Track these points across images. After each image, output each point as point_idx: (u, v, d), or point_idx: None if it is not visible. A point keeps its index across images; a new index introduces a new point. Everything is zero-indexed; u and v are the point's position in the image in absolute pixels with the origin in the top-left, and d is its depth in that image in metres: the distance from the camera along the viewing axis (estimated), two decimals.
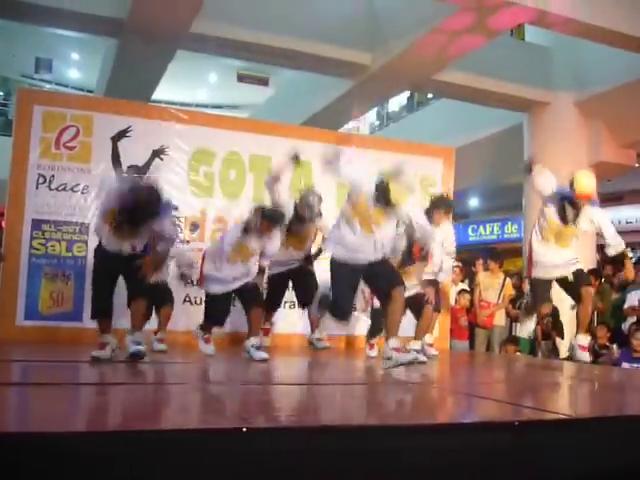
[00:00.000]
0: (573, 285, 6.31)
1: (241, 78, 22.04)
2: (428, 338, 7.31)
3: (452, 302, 9.47)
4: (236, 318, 6.99)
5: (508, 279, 10.42)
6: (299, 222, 7.03)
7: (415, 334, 6.87)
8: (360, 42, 11.67)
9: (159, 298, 6.82)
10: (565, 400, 4.95)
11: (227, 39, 10.87)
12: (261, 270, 6.58)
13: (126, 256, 5.47)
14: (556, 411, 3.79)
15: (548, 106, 12.65)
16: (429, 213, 6.46)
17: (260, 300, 6.54)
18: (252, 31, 10.82)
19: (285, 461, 2.52)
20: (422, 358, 6.64)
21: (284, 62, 12.67)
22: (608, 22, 9.59)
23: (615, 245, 6.14)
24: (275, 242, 6.48)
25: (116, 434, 2.47)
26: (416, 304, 6.65)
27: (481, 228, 21.88)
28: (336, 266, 5.46)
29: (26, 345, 6.72)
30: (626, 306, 9.68)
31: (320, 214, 7.10)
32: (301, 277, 7.27)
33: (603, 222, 6.14)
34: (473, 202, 20.79)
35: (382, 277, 5.41)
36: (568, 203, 6.08)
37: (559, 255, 6.27)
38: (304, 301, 7.23)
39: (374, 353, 6.84)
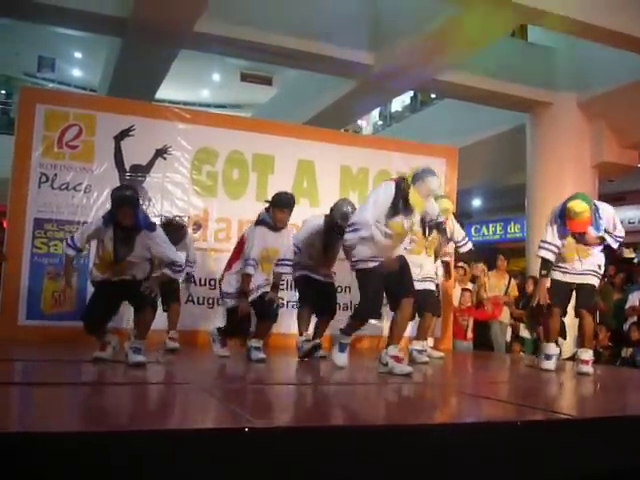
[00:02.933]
0: (577, 299, 6.26)
1: (244, 77, 22.08)
2: (428, 341, 7.30)
3: (455, 302, 9.48)
4: None
5: (513, 280, 10.44)
6: (331, 234, 6.66)
7: (417, 334, 6.88)
8: (363, 42, 11.66)
9: (167, 296, 6.85)
10: (567, 400, 4.95)
11: (230, 38, 10.87)
12: (275, 285, 6.37)
13: (128, 282, 5.36)
14: (558, 411, 3.79)
15: (551, 106, 12.64)
16: None
17: (274, 315, 6.31)
18: (255, 31, 10.82)
19: (287, 461, 2.52)
20: (424, 359, 6.66)
21: (287, 62, 12.67)
22: (611, 23, 9.58)
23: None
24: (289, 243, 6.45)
25: (117, 434, 2.47)
26: (425, 299, 6.69)
27: (484, 228, 21.89)
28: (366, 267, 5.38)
29: (28, 344, 6.73)
30: (627, 306, 9.70)
31: None
32: (327, 287, 6.92)
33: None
34: (476, 202, 20.80)
35: (397, 282, 5.38)
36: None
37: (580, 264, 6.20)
38: (330, 312, 6.87)
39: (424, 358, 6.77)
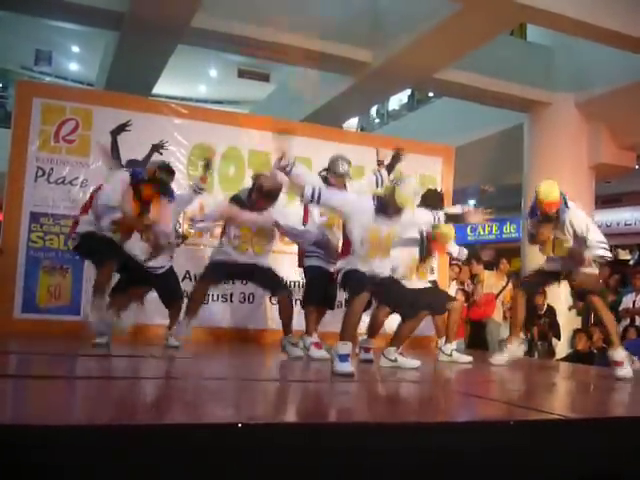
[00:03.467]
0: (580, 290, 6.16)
1: (242, 73, 22.02)
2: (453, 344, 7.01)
3: None
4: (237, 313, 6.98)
5: (511, 284, 10.41)
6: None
7: (446, 335, 6.92)
8: (361, 39, 11.66)
9: (169, 293, 6.83)
10: (560, 401, 4.96)
11: (228, 34, 10.86)
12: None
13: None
14: (551, 411, 3.79)
15: (549, 107, 12.65)
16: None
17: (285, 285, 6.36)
18: (253, 26, 10.81)
19: (281, 458, 2.52)
20: (468, 358, 6.79)
21: (285, 58, 12.65)
22: (610, 22, 9.59)
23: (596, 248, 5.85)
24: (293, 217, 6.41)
25: (112, 428, 2.46)
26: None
27: (480, 228, 21.86)
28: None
29: (23, 338, 6.72)
30: (621, 308, 9.72)
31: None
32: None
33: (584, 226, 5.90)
34: (472, 202, 20.79)
35: (404, 301, 5.49)
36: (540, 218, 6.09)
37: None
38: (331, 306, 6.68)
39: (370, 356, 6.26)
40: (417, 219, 5.60)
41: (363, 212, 5.21)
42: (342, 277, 5.33)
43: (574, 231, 5.90)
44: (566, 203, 5.95)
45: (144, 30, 10.41)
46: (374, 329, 6.41)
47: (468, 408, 4.11)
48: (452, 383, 5.61)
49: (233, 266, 6.19)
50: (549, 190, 5.93)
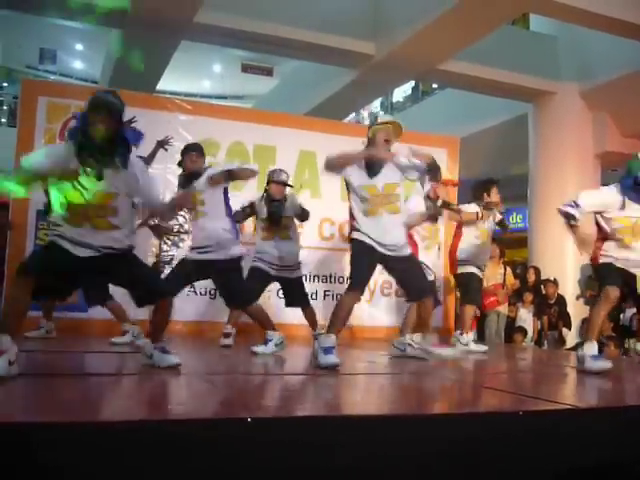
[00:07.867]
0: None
1: (245, 68, 22.04)
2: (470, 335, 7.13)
3: None
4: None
5: (508, 268, 10.38)
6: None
7: (461, 327, 6.99)
8: (364, 32, 11.64)
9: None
10: (569, 390, 4.95)
11: (231, 29, 10.86)
12: None
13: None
14: (561, 401, 3.79)
15: (553, 96, 12.61)
16: None
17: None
18: (256, 21, 10.80)
19: (290, 452, 2.52)
20: (483, 348, 6.94)
21: (288, 52, 12.65)
22: (614, 11, 9.55)
23: None
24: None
25: (119, 424, 2.47)
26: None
27: None
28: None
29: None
30: None
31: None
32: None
33: None
34: None
35: (413, 281, 5.42)
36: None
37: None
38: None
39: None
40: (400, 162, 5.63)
41: (356, 173, 5.49)
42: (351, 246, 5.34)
43: None
44: None
45: (147, 27, 10.41)
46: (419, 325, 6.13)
47: (477, 399, 4.11)
48: (460, 374, 5.60)
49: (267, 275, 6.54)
50: None
